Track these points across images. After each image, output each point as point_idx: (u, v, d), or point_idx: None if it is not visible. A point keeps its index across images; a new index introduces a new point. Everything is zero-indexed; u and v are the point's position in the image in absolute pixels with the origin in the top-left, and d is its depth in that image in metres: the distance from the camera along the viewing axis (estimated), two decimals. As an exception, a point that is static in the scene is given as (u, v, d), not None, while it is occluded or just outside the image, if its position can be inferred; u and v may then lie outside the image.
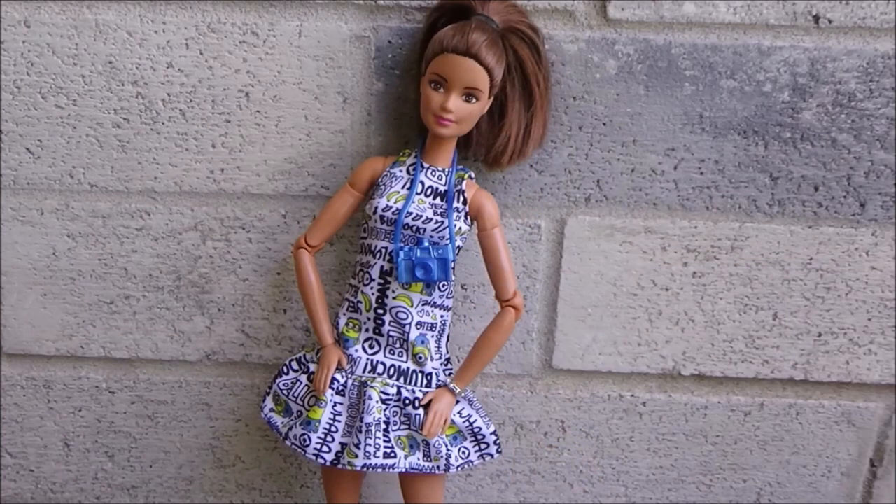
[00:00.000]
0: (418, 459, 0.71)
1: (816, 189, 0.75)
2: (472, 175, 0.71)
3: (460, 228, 0.69)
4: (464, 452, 0.73)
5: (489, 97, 0.67)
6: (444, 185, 0.69)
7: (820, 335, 0.81)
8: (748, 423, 0.85)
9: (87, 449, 0.90)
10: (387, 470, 0.70)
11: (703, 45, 0.71)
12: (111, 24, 0.73)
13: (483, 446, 0.73)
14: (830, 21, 0.70)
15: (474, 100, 0.65)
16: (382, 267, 0.70)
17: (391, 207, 0.68)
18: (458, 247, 0.70)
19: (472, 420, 0.73)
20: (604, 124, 0.74)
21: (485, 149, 0.72)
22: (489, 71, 0.64)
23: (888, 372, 0.82)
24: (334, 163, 0.77)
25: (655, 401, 0.84)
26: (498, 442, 0.74)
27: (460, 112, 0.66)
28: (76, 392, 0.87)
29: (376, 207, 0.69)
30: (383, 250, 0.69)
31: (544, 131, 0.72)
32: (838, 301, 0.80)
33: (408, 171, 0.70)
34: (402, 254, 0.68)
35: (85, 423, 0.89)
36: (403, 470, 0.71)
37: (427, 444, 0.71)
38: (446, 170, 0.69)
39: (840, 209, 0.76)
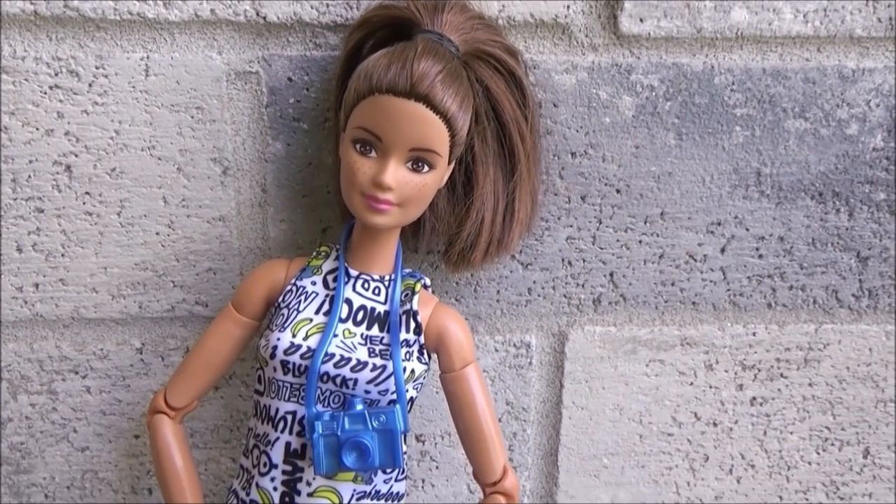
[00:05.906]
0: None
1: (922, 273, 0.60)
2: (428, 283, 0.51)
3: (413, 372, 0.48)
4: None
5: (449, 162, 0.48)
6: (385, 303, 0.49)
7: (928, 474, 0.68)
8: None
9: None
10: None
11: (760, 69, 0.57)
12: None
13: None
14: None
15: (426, 167, 0.46)
16: (289, 445, 0.46)
17: (299, 347, 0.47)
18: (412, 399, 0.48)
19: None
20: (618, 191, 0.59)
21: (445, 239, 0.52)
22: (448, 120, 0.46)
23: None
24: (214, 266, 0.57)
25: (703, 580, 0.70)
26: None
27: (405, 189, 0.46)
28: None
29: (275, 348, 0.47)
30: (289, 417, 0.46)
31: (534, 207, 0.54)
32: (953, 427, 0.65)
33: (325, 284, 0.49)
34: (319, 425, 0.45)
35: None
36: None
37: None
38: (386, 278, 0.49)
39: (956, 299, 0.61)
